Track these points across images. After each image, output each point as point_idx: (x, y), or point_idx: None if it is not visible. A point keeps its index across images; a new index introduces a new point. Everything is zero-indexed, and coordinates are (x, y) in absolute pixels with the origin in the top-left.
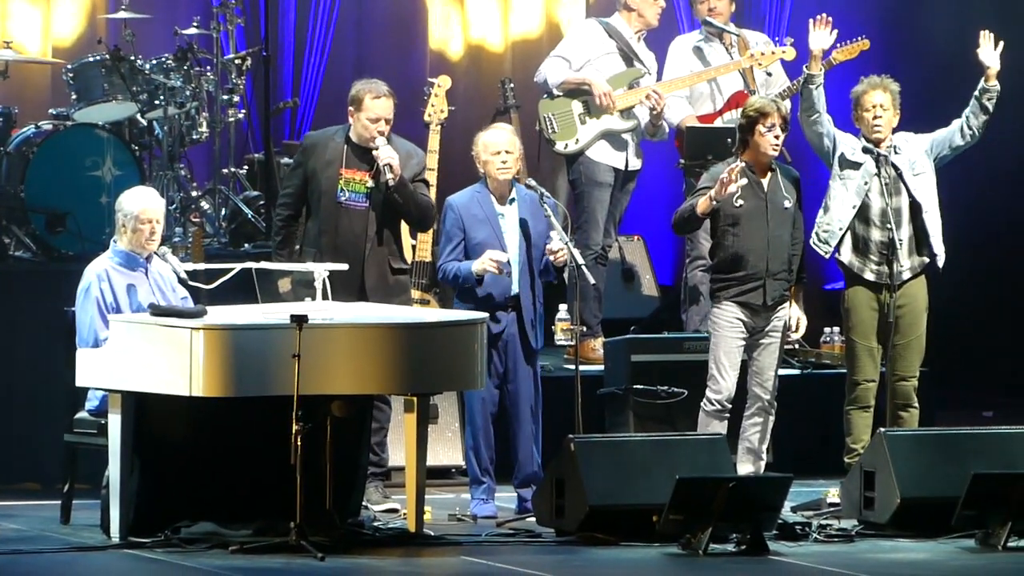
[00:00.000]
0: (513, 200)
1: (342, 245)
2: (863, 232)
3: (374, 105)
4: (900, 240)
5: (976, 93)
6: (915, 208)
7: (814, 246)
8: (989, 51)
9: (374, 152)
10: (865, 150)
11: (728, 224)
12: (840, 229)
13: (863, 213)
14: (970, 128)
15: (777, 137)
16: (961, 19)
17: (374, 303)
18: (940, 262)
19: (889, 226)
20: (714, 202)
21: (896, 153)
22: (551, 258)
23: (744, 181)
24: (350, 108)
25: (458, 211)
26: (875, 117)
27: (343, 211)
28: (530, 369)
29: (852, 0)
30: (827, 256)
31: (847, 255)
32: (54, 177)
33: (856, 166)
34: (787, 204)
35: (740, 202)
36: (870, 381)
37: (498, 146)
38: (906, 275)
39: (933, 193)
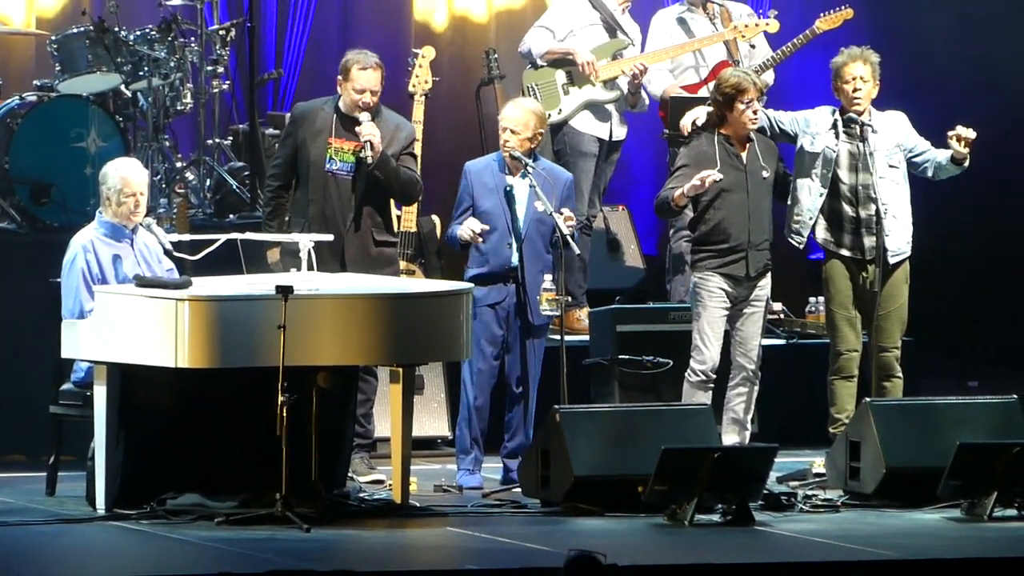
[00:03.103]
0: (526, 174)
1: (329, 214)
2: (836, 207)
3: (360, 76)
4: (872, 215)
5: (947, 161)
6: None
7: (788, 238)
8: (957, 147)
9: (357, 128)
10: (850, 120)
11: (711, 199)
12: (811, 219)
13: (834, 190)
14: (936, 177)
15: (755, 112)
16: None
17: (355, 273)
18: (891, 259)
19: (873, 196)
20: (687, 198)
21: (873, 132)
22: (554, 215)
23: (720, 177)
24: (339, 77)
25: (470, 178)
26: (855, 90)
27: (331, 180)
28: (529, 342)
29: None
30: (801, 247)
31: (821, 234)
32: (39, 148)
33: (815, 156)
34: (765, 174)
35: (719, 176)
36: (852, 351)
37: (505, 122)
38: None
39: (902, 192)
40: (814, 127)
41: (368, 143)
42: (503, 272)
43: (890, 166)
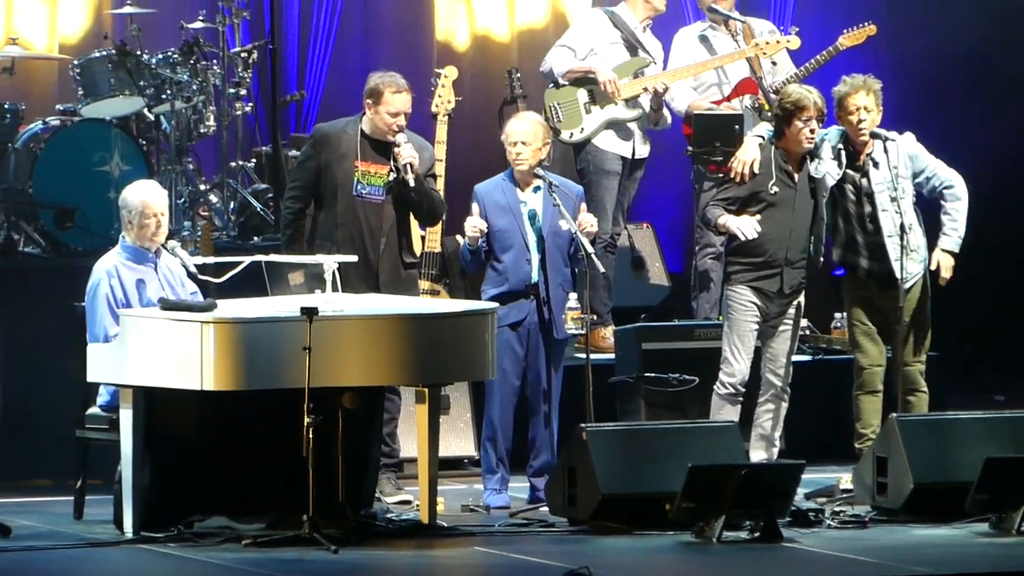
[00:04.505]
0: (538, 188)
1: (358, 238)
2: (850, 232)
3: (394, 100)
4: (881, 243)
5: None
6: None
7: None
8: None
9: (396, 151)
10: (850, 156)
11: (757, 210)
12: None
13: (846, 215)
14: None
15: (812, 131)
16: (975, 5)
17: (381, 294)
18: (906, 285)
19: (880, 226)
20: (723, 229)
21: (875, 167)
22: (580, 233)
23: (757, 232)
24: (367, 101)
25: (481, 199)
26: (859, 121)
27: (359, 204)
28: (552, 358)
29: None
30: None
31: (838, 254)
32: (62, 173)
33: (816, 181)
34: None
35: (775, 189)
36: (875, 365)
37: (515, 136)
38: (897, 273)
39: (912, 218)
40: (820, 151)
41: (408, 165)
42: (523, 289)
43: (894, 198)
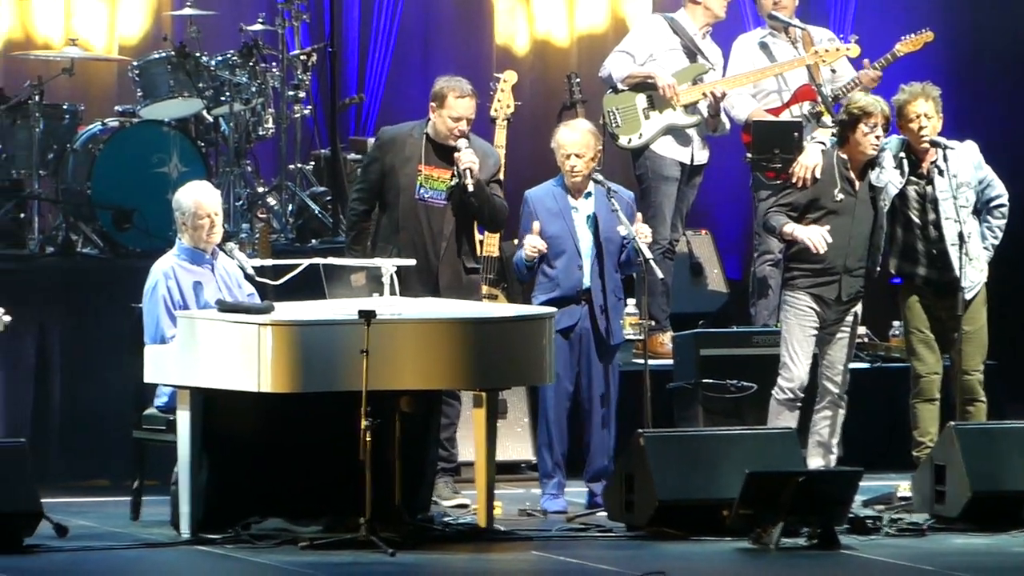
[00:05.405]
0: (590, 194)
1: (419, 242)
2: (909, 241)
3: (457, 104)
4: (944, 251)
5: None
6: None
7: None
8: None
9: (456, 155)
10: (912, 164)
11: (817, 217)
12: None
13: (907, 224)
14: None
15: (878, 138)
16: None
17: (440, 298)
18: (968, 295)
19: (943, 235)
20: (789, 238)
21: (940, 174)
22: (637, 240)
23: (827, 246)
24: (432, 104)
25: (533, 205)
26: (920, 128)
27: (422, 208)
28: (605, 362)
29: None
30: None
31: (895, 263)
32: (120, 174)
33: (879, 190)
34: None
35: (840, 196)
36: (932, 373)
37: (568, 148)
38: (959, 280)
39: (973, 226)
40: (881, 159)
41: (468, 170)
42: (575, 295)
43: (960, 206)
